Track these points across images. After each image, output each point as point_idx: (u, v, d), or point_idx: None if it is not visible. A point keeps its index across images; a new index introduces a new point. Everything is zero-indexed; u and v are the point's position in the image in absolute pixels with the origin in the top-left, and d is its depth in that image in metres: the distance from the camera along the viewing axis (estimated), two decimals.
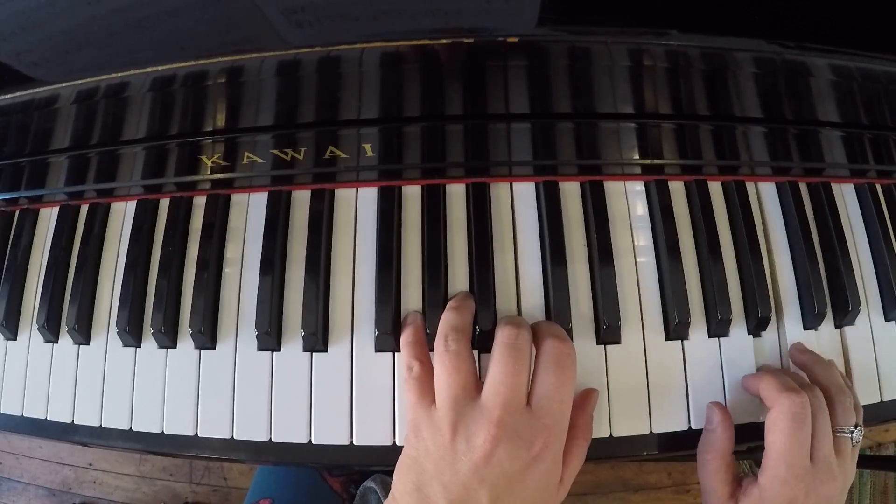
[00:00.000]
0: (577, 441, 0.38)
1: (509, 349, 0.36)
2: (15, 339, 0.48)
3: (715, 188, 0.47)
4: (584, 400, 0.40)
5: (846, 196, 0.49)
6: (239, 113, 0.45)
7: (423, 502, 0.34)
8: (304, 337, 0.42)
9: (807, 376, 0.41)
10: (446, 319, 0.39)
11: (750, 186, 0.47)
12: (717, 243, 0.44)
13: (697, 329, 0.43)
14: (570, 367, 0.37)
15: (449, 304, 0.41)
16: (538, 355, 0.37)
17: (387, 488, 0.55)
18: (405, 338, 0.40)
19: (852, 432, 0.39)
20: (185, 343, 0.44)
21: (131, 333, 0.44)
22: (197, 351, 0.44)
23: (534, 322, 0.41)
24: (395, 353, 0.42)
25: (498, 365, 0.35)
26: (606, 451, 0.41)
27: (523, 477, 0.34)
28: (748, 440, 0.42)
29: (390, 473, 0.56)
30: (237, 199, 0.47)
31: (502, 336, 0.37)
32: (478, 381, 0.37)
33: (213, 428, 0.42)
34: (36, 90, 0.41)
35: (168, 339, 0.44)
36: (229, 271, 0.46)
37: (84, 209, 0.50)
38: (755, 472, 0.39)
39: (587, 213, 0.45)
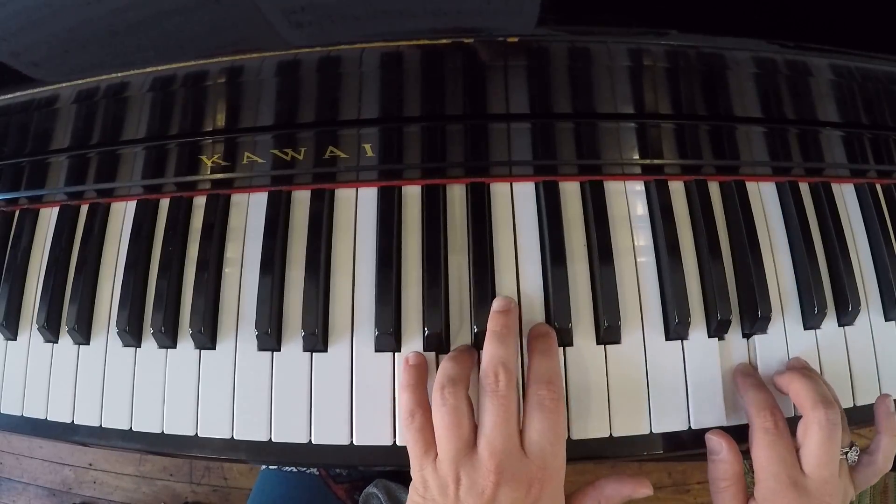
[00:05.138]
0: None
1: (495, 399, 0.37)
2: (15, 340, 0.48)
3: (715, 188, 0.47)
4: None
5: (846, 196, 0.49)
6: (239, 113, 0.45)
7: None
8: (304, 337, 0.42)
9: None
10: (444, 370, 0.39)
11: (750, 186, 0.47)
12: (717, 243, 0.44)
13: (697, 329, 0.43)
14: (556, 411, 0.38)
15: (449, 353, 0.41)
16: (525, 400, 0.38)
17: (389, 493, 0.55)
18: (406, 379, 0.40)
19: (846, 453, 0.40)
20: (185, 343, 0.44)
21: (131, 333, 0.44)
22: (197, 351, 0.44)
23: (530, 322, 0.42)
24: (396, 354, 0.42)
25: (488, 416, 0.37)
26: (606, 451, 0.41)
27: None
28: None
29: (392, 478, 0.56)
30: (237, 199, 0.47)
31: (486, 384, 0.37)
32: (475, 427, 0.38)
33: (214, 428, 0.42)
34: (36, 90, 0.41)
35: (168, 339, 0.44)
36: (229, 271, 0.46)
37: (84, 209, 0.50)
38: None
39: (587, 213, 0.45)
